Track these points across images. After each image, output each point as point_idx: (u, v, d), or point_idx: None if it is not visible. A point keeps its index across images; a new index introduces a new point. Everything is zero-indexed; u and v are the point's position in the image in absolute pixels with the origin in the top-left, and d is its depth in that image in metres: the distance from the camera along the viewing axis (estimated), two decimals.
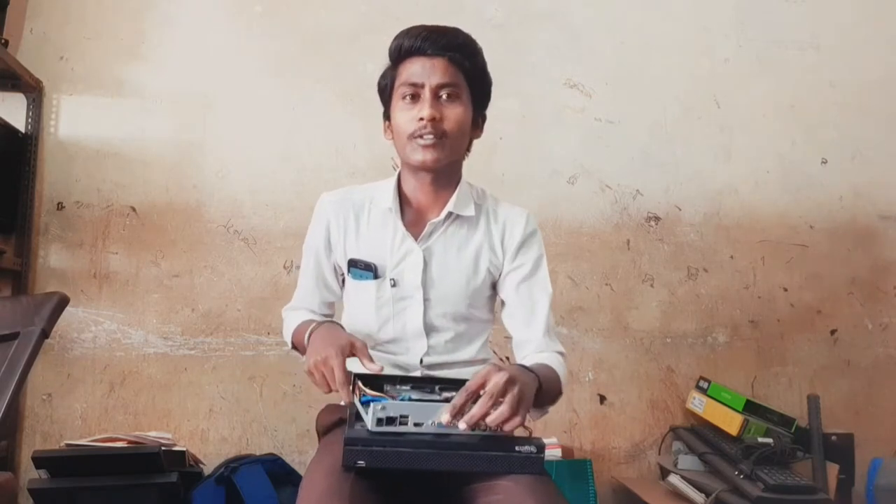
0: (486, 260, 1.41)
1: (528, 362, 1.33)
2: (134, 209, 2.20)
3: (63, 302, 1.20)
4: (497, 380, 1.09)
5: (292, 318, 1.46)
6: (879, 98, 2.49)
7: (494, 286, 1.45)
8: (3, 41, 2.05)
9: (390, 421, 1.09)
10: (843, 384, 2.39)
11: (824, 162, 2.46)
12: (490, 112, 2.42)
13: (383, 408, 1.09)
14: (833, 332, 2.42)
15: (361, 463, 1.07)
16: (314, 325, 1.29)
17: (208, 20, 2.27)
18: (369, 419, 1.09)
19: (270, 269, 2.21)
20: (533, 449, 1.11)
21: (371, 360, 1.19)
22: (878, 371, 2.42)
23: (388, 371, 1.37)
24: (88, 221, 2.18)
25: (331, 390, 1.15)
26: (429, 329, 1.38)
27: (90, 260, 2.17)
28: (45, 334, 1.15)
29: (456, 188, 1.41)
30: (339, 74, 2.26)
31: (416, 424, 1.10)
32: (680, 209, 2.39)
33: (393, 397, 1.15)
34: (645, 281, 2.36)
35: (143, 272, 2.18)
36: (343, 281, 1.47)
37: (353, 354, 1.19)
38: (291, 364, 2.17)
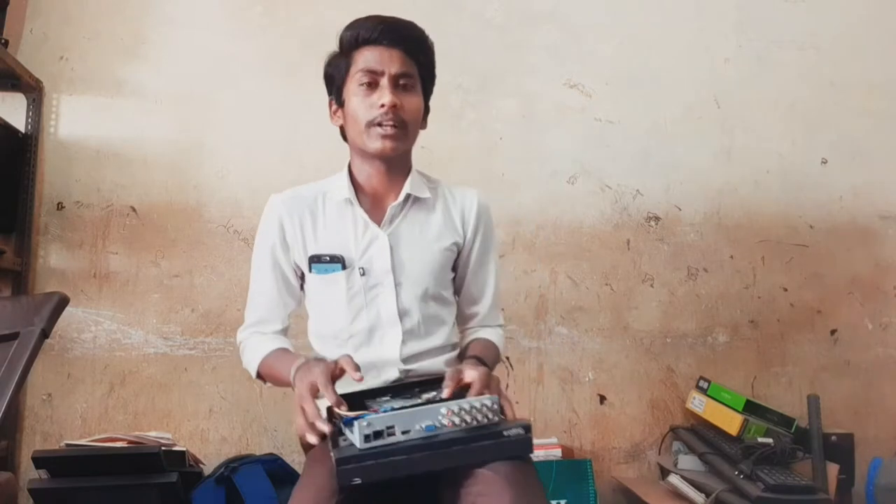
0: (447, 238, 1.44)
1: (471, 336, 1.49)
2: (134, 209, 2.20)
3: (63, 302, 1.20)
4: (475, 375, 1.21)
5: (255, 344, 1.43)
6: (879, 98, 2.49)
7: (454, 266, 1.48)
8: (3, 41, 2.05)
9: (378, 435, 1.08)
10: (843, 384, 2.39)
11: (824, 162, 2.46)
12: (490, 112, 2.43)
13: (368, 423, 1.07)
14: (833, 332, 2.42)
15: (357, 480, 1.05)
16: (295, 366, 1.27)
17: (208, 20, 2.27)
18: (357, 437, 1.07)
19: None
20: (521, 431, 1.12)
21: (356, 368, 1.18)
22: (878, 371, 2.42)
23: (368, 372, 1.34)
24: (88, 221, 2.18)
25: (316, 434, 1.13)
26: (402, 314, 1.39)
27: (90, 260, 2.17)
28: (45, 334, 1.15)
29: (408, 175, 1.43)
30: None
31: (403, 433, 1.09)
32: (680, 209, 2.39)
33: (375, 411, 1.14)
34: (645, 281, 2.35)
35: (143, 272, 2.18)
36: (302, 284, 1.46)
37: (339, 375, 1.19)
38: None
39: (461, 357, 1.45)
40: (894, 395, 2.41)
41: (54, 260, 2.17)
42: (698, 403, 2.20)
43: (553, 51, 2.38)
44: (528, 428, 1.12)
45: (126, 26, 2.24)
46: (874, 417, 2.37)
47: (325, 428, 1.12)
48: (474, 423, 1.11)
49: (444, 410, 1.10)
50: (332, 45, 2.30)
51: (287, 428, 2.17)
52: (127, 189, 2.20)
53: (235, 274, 2.20)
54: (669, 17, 2.44)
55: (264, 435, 2.17)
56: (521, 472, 1.13)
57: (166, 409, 2.15)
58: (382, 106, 1.32)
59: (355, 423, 1.08)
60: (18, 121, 2.14)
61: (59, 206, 2.18)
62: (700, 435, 2.17)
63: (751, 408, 2.10)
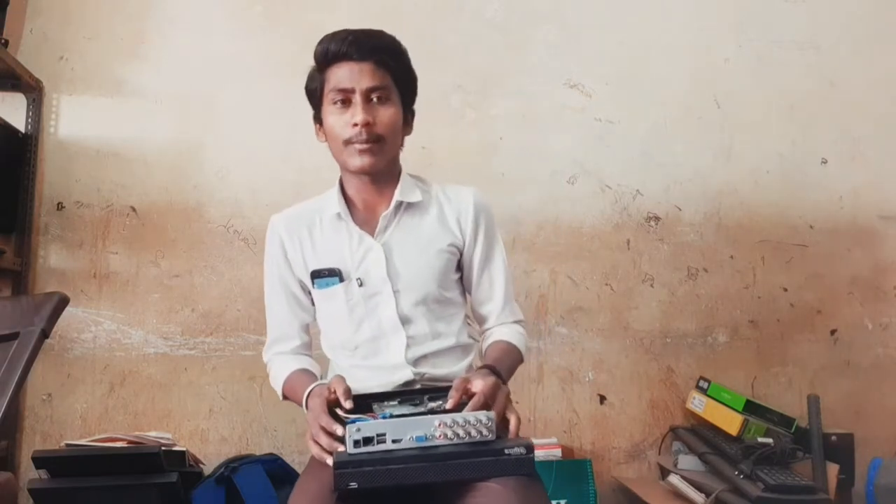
0: (445, 240, 1.43)
1: (490, 339, 1.47)
2: (134, 209, 2.20)
3: (63, 302, 1.19)
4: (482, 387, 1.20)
5: (278, 367, 1.46)
6: (879, 98, 2.49)
7: (459, 265, 1.48)
8: (3, 41, 2.05)
9: (367, 441, 1.09)
10: (843, 384, 2.39)
11: (824, 162, 2.46)
12: (490, 112, 2.42)
13: (358, 429, 1.09)
14: (833, 332, 2.42)
15: (353, 485, 1.07)
16: (306, 394, 1.30)
17: (208, 20, 2.27)
18: (347, 442, 1.09)
19: None
20: (522, 450, 1.11)
21: (347, 396, 1.20)
22: (878, 371, 2.42)
23: (378, 378, 1.37)
24: (88, 221, 2.18)
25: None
26: (404, 320, 1.40)
27: (90, 260, 2.17)
28: (45, 334, 1.15)
29: (398, 181, 1.43)
30: None
31: (394, 441, 1.09)
32: (680, 209, 2.39)
33: (374, 416, 1.15)
34: (645, 281, 2.35)
35: (143, 272, 2.18)
36: (311, 299, 1.48)
37: (334, 402, 1.20)
38: None
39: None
40: (894, 395, 2.41)
41: (54, 260, 2.17)
42: (698, 403, 2.20)
43: (553, 51, 2.38)
44: (529, 448, 1.12)
45: (126, 26, 2.24)
46: (874, 417, 2.37)
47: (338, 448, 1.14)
48: (467, 437, 1.11)
49: (436, 423, 1.11)
50: None
51: (287, 428, 2.17)
52: (127, 189, 2.20)
53: (235, 274, 2.20)
54: (669, 17, 2.44)
55: (264, 435, 2.17)
56: (527, 486, 1.12)
57: (166, 409, 2.15)
58: (356, 125, 1.33)
59: (347, 427, 1.10)
60: (18, 121, 2.14)
61: (59, 206, 2.18)
62: (700, 435, 2.17)
63: (751, 408, 2.10)
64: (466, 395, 1.19)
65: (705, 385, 2.22)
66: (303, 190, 2.21)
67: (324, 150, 2.23)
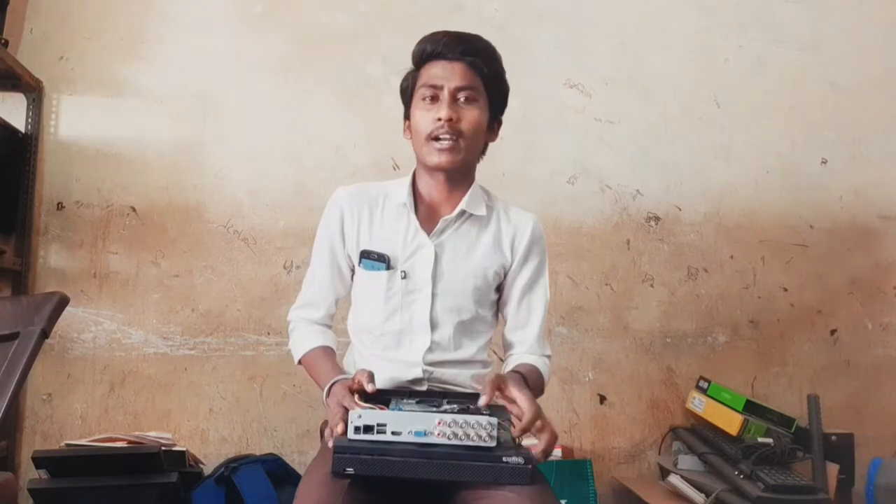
0: (495, 259, 1.45)
1: (516, 361, 1.45)
2: (134, 209, 2.20)
3: (63, 302, 1.19)
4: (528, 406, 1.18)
5: (302, 333, 1.48)
6: (879, 98, 2.49)
7: (500, 288, 1.48)
8: (3, 41, 2.05)
9: (368, 429, 1.11)
10: (843, 384, 2.39)
11: (824, 162, 2.46)
12: None
13: (360, 416, 1.11)
14: (833, 332, 2.42)
15: (350, 470, 1.09)
16: (329, 387, 1.31)
17: (208, 20, 2.27)
18: (349, 428, 1.11)
19: (270, 269, 2.21)
20: (521, 460, 1.11)
21: (370, 380, 1.22)
22: (878, 371, 2.42)
23: (391, 371, 1.39)
24: (88, 221, 2.18)
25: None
26: (434, 323, 1.41)
27: (90, 260, 2.17)
28: (45, 334, 1.15)
29: (469, 189, 1.45)
30: (340, 74, 2.26)
31: (393, 433, 1.11)
32: (680, 209, 2.39)
33: (382, 408, 1.17)
34: (645, 281, 2.35)
35: (143, 272, 2.18)
36: (352, 275, 1.49)
37: (358, 388, 1.22)
38: (291, 364, 2.14)
39: None
40: (894, 395, 2.41)
41: (54, 260, 2.17)
42: (698, 403, 2.20)
43: (553, 51, 2.38)
44: (528, 459, 1.12)
45: (126, 26, 2.24)
46: (874, 417, 2.37)
47: None
48: (466, 440, 1.11)
49: (436, 420, 1.12)
50: (333, 45, 2.32)
51: (287, 428, 2.18)
52: (127, 189, 2.20)
53: (235, 274, 2.20)
54: (669, 17, 2.44)
55: (264, 435, 2.17)
56: (538, 493, 1.12)
57: (166, 409, 2.15)
58: (440, 119, 1.35)
59: (349, 413, 1.12)
60: (18, 121, 2.14)
61: (59, 206, 2.18)
62: (700, 435, 2.17)
63: (751, 408, 2.10)
64: (501, 394, 1.19)
65: (705, 385, 2.22)
66: (303, 190, 2.22)
67: (324, 150, 2.26)
